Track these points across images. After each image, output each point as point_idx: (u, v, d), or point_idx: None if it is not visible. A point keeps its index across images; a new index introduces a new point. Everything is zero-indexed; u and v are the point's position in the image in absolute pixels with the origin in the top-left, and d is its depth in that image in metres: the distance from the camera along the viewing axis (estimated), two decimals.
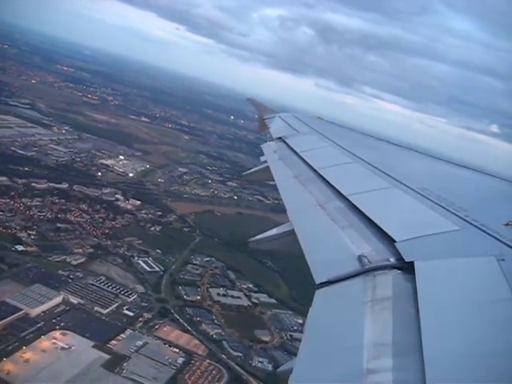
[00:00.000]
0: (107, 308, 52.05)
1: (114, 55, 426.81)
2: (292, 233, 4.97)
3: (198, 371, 46.83)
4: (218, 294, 63.20)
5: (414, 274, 3.30)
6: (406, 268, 3.46)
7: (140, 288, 58.95)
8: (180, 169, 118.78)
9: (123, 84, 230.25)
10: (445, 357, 2.40)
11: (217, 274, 69.19)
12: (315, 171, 6.99)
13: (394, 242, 3.90)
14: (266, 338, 56.34)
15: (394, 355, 2.52)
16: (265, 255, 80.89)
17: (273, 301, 66.10)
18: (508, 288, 2.95)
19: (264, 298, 66.19)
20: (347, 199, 5.40)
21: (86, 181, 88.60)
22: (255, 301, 64.48)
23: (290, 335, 58.33)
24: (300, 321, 62.68)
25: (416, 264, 3.42)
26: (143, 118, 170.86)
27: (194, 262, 70.40)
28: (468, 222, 4.21)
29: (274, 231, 5.68)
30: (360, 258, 3.79)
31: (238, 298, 64.08)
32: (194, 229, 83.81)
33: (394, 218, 4.81)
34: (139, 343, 48.09)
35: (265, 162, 9.02)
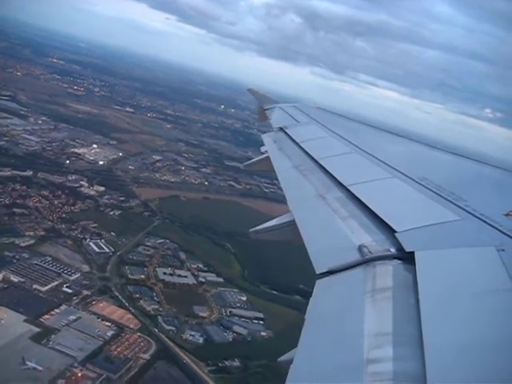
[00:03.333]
0: (46, 286, 54.51)
1: (110, 47, 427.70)
2: (292, 223, 5.06)
3: (126, 343, 49.24)
4: (165, 274, 65.38)
5: (415, 264, 3.34)
6: (407, 258, 3.51)
7: (85, 268, 61.34)
8: (154, 156, 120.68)
9: (114, 75, 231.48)
10: (445, 346, 2.45)
11: (168, 255, 71.37)
12: (315, 161, 7.09)
13: (395, 232, 3.97)
14: (204, 314, 58.54)
15: (394, 345, 2.57)
16: (224, 238, 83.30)
17: (220, 280, 68.22)
18: (508, 278, 2.98)
19: (212, 277, 68.35)
20: (347, 189, 5.49)
21: (52, 168, 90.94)
22: (202, 280, 66.64)
23: (230, 311, 60.53)
24: (244, 298, 65.04)
25: (416, 254, 3.46)
26: (127, 108, 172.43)
27: (147, 244, 72.62)
28: (468, 212, 4.25)
29: (274, 221, 5.76)
30: (360, 248, 3.84)
31: (185, 277, 66.25)
32: (155, 213, 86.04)
33: (394, 208, 4.90)
34: (72, 318, 50.52)
35: (265, 152, 9.19)
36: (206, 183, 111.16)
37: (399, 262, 3.52)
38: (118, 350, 47.88)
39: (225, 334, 55.74)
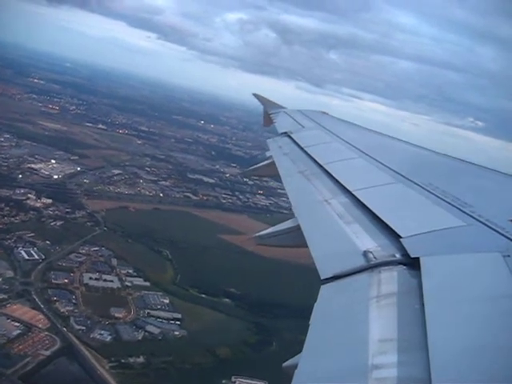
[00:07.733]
0: None
1: (96, 66, 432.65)
2: (297, 228, 5.12)
3: (30, 341, 51.66)
4: (90, 278, 67.81)
5: (420, 270, 3.35)
6: (412, 264, 3.53)
7: (9, 273, 63.83)
8: (113, 170, 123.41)
9: (95, 94, 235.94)
10: (450, 352, 2.46)
11: (99, 262, 73.87)
12: (320, 166, 7.17)
13: (400, 237, 3.99)
14: (120, 315, 60.87)
15: (399, 351, 2.60)
16: (164, 245, 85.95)
17: (147, 284, 70.66)
18: None
19: (139, 281, 70.68)
20: (352, 194, 5.53)
21: (1, 183, 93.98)
22: (128, 284, 69.09)
23: (148, 313, 62.85)
24: (166, 301, 67.38)
25: (421, 260, 3.48)
26: (100, 125, 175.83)
27: (80, 251, 75.08)
28: (473, 217, 4.26)
29: (278, 227, 5.83)
30: (365, 254, 3.87)
31: (111, 281, 68.67)
32: (98, 223, 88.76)
33: (400, 213, 4.93)
34: None
35: (270, 157, 9.39)
36: (161, 195, 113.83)
37: (404, 267, 3.55)
38: (20, 347, 50.32)
39: (135, 333, 58.05)
